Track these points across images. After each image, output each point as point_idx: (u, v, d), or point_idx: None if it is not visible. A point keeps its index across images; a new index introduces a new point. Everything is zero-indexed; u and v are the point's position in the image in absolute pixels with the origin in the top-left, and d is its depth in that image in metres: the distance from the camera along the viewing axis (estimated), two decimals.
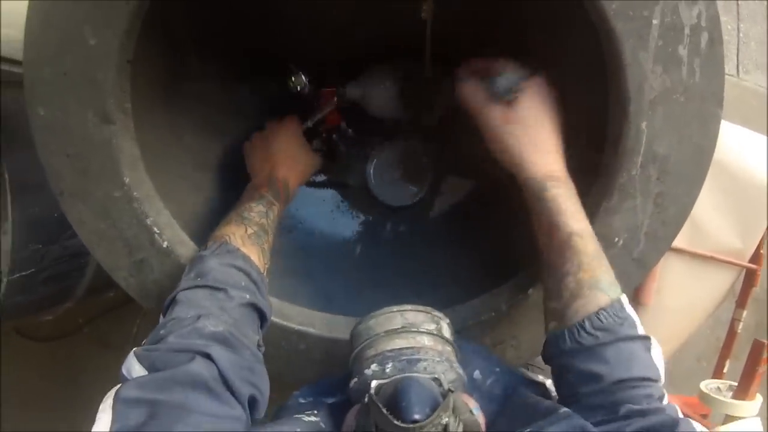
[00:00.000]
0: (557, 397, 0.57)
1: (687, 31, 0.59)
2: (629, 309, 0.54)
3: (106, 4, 0.60)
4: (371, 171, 1.01)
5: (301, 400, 0.60)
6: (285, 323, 0.73)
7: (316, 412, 0.52)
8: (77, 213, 0.69)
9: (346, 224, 1.04)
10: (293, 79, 0.90)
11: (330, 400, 0.59)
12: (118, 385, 0.47)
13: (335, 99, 0.93)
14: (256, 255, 0.67)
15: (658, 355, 0.53)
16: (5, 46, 0.89)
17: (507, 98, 0.65)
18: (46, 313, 1.22)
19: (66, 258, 1.07)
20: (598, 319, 0.52)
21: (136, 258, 0.71)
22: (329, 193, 1.05)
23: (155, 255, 0.70)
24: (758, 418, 0.87)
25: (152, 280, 0.72)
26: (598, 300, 0.53)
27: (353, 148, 1.02)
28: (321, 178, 1.05)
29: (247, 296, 0.60)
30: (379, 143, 1.01)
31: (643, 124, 0.61)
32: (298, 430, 0.49)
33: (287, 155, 0.86)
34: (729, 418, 0.90)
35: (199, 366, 0.48)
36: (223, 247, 0.65)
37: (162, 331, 0.54)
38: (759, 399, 0.89)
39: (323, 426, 0.50)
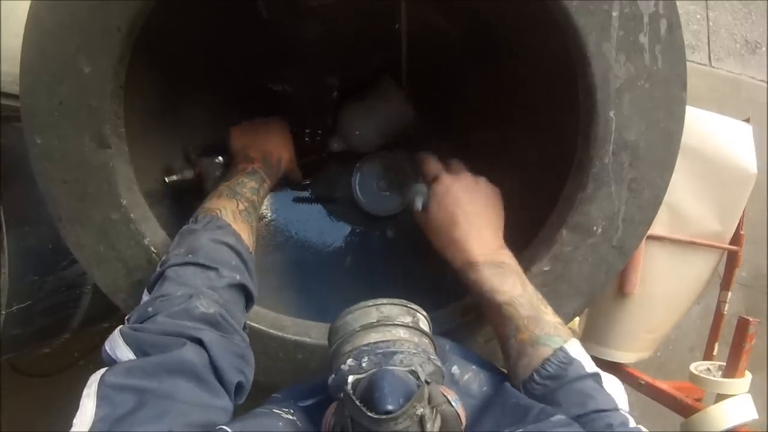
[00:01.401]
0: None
1: (646, 19, 0.62)
2: (575, 352, 0.56)
3: (99, 33, 0.62)
4: (356, 183, 1.03)
5: (276, 403, 0.57)
6: (281, 334, 0.74)
7: (292, 411, 0.51)
8: (76, 237, 0.70)
9: (336, 236, 1.06)
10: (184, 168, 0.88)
11: (305, 403, 0.59)
12: (103, 369, 0.45)
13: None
14: (246, 232, 0.67)
15: (612, 386, 0.55)
16: (5, 80, 0.91)
17: (417, 209, 0.73)
18: (44, 345, 1.22)
19: (62, 289, 1.08)
20: (544, 369, 0.55)
21: (134, 279, 0.72)
22: (317, 208, 1.07)
23: None
24: (749, 395, 0.89)
25: None
26: (541, 353, 0.56)
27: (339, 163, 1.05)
28: (308, 194, 1.07)
29: (238, 277, 0.60)
30: (363, 156, 1.04)
31: (611, 113, 0.64)
32: (280, 423, 0.48)
33: (280, 138, 0.89)
34: (720, 397, 0.92)
35: (190, 353, 0.48)
36: (214, 222, 0.65)
37: (150, 309, 0.52)
38: (748, 376, 0.91)
39: (300, 426, 0.50)
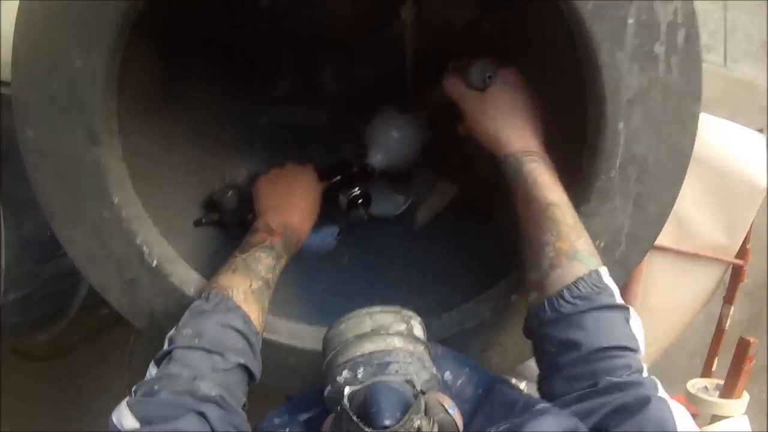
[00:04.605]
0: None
1: (663, 28, 0.59)
2: (608, 279, 0.55)
3: (92, 27, 0.61)
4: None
5: (276, 420, 0.59)
6: (274, 338, 0.73)
7: (288, 430, 0.53)
8: (68, 234, 0.70)
9: (336, 235, 1.05)
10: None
11: (304, 417, 0.59)
12: None
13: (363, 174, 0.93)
14: (256, 313, 0.66)
15: (637, 325, 0.54)
16: (5, 69, 0.90)
17: (480, 86, 0.72)
18: (42, 332, 1.22)
19: (60, 277, 1.08)
20: (577, 287, 0.53)
21: (126, 277, 0.71)
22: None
23: (146, 274, 0.71)
24: (746, 417, 0.87)
25: (144, 299, 0.72)
26: (577, 270, 0.55)
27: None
28: None
29: (242, 360, 0.60)
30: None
31: (621, 125, 0.61)
32: None
33: (306, 203, 0.84)
34: (716, 418, 0.90)
35: (192, 422, 0.49)
36: (223, 304, 0.64)
37: (156, 386, 0.54)
38: (746, 397, 0.89)
39: None
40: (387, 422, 0.42)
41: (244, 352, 0.61)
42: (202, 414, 0.51)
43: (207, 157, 0.94)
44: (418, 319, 0.58)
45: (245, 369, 0.61)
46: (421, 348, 0.55)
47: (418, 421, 0.42)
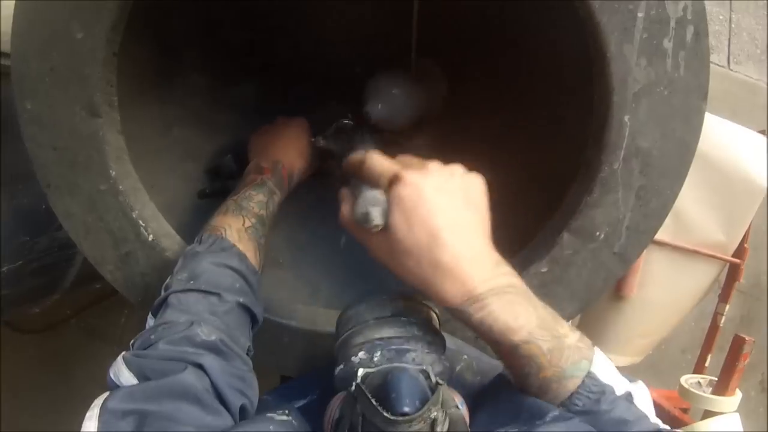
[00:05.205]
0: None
1: (672, 24, 0.59)
2: (603, 373, 0.49)
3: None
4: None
5: (271, 401, 0.58)
6: (267, 316, 0.72)
7: (287, 411, 0.50)
8: (64, 206, 0.69)
9: (331, 215, 1.04)
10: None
11: (299, 403, 0.58)
12: (106, 393, 0.46)
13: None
14: (252, 251, 0.65)
15: (642, 398, 0.50)
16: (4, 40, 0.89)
17: (376, 226, 0.49)
18: (35, 305, 1.22)
19: (54, 249, 1.07)
20: (573, 404, 0.47)
21: (122, 251, 0.71)
22: (313, 184, 1.05)
23: (141, 248, 0.70)
24: (737, 414, 0.88)
25: (138, 272, 0.72)
26: (569, 386, 0.48)
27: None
28: None
29: (241, 299, 0.59)
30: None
31: (626, 117, 0.61)
32: (271, 428, 0.47)
33: (295, 147, 0.85)
34: (708, 413, 0.91)
35: (190, 376, 0.47)
36: (217, 244, 0.62)
37: (152, 336, 0.52)
38: (738, 395, 0.90)
39: (295, 425, 0.49)
40: (407, 409, 0.40)
41: (242, 290, 0.60)
42: (200, 366, 0.49)
43: (200, 135, 0.93)
44: (436, 310, 0.57)
45: (245, 309, 0.59)
46: (438, 340, 0.54)
47: (435, 413, 0.41)
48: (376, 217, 0.49)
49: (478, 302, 0.48)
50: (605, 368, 0.49)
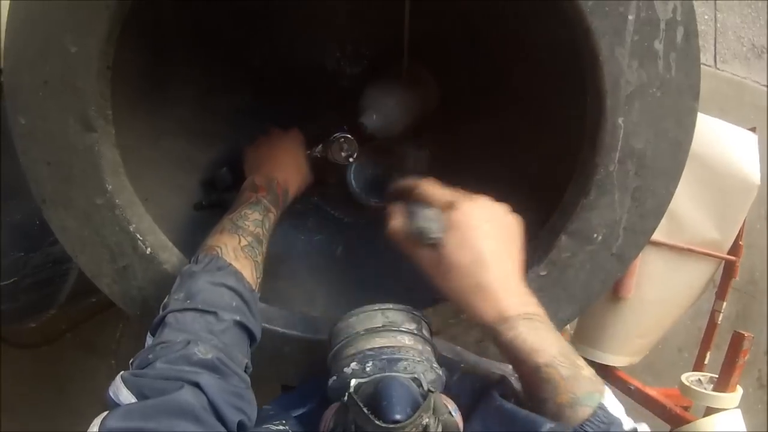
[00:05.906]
0: (521, 392, 0.57)
1: (663, 25, 0.60)
2: (612, 407, 0.51)
3: (87, 11, 0.60)
4: (351, 175, 0.98)
5: (270, 412, 0.58)
6: (268, 326, 0.72)
7: (284, 421, 0.51)
8: (59, 220, 0.69)
9: (327, 225, 1.04)
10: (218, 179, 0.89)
11: (297, 412, 0.58)
12: (105, 413, 0.46)
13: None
14: (248, 269, 0.65)
15: None
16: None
17: (427, 243, 0.57)
18: (30, 320, 1.21)
19: (48, 265, 1.06)
20: (584, 431, 0.49)
21: (119, 265, 0.70)
22: (309, 193, 1.05)
23: (138, 261, 0.70)
24: (738, 410, 0.88)
25: (136, 286, 0.71)
26: (581, 414, 0.50)
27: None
28: None
29: (237, 317, 0.59)
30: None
31: (620, 120, 0.62)
32: None
33: (290, 162, 0.85)
34: (710, 410, 0.91)
35: (187, 395, 0.48)
36: (213, 263, 0.63)
37: (150, 356, 0.53)
38: (739, 391, 0.91)
39: None
40: (398, 416, 0.41)
41: (238, 309, 0.60)
42: (196, 384, 0.49)
43: (192, 146, 0.93)
44: (428, 319, 0.58)
45: (242, 327, 0.60)
46: (429, 348, 0.55)
47: (427, 419, 0.42)
48: (435, 232, 0.56)
49: (509, 323, 0.54)
50: (614, 405, 0.52)
